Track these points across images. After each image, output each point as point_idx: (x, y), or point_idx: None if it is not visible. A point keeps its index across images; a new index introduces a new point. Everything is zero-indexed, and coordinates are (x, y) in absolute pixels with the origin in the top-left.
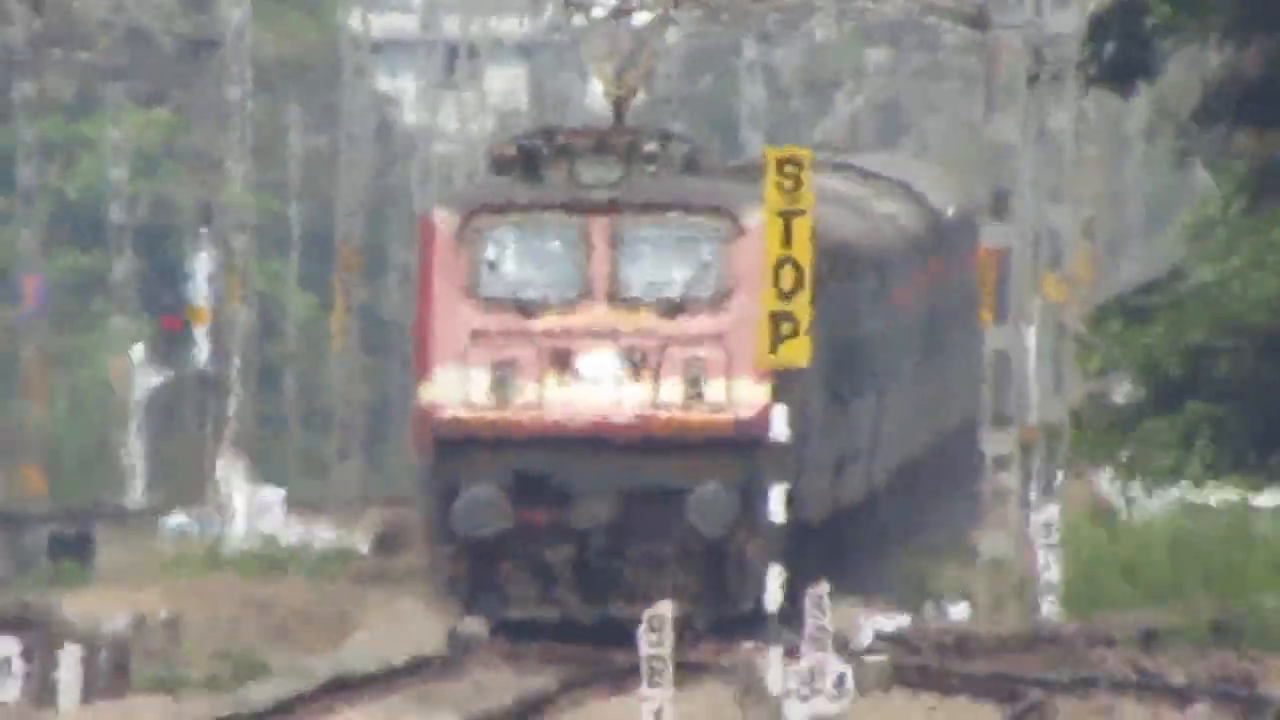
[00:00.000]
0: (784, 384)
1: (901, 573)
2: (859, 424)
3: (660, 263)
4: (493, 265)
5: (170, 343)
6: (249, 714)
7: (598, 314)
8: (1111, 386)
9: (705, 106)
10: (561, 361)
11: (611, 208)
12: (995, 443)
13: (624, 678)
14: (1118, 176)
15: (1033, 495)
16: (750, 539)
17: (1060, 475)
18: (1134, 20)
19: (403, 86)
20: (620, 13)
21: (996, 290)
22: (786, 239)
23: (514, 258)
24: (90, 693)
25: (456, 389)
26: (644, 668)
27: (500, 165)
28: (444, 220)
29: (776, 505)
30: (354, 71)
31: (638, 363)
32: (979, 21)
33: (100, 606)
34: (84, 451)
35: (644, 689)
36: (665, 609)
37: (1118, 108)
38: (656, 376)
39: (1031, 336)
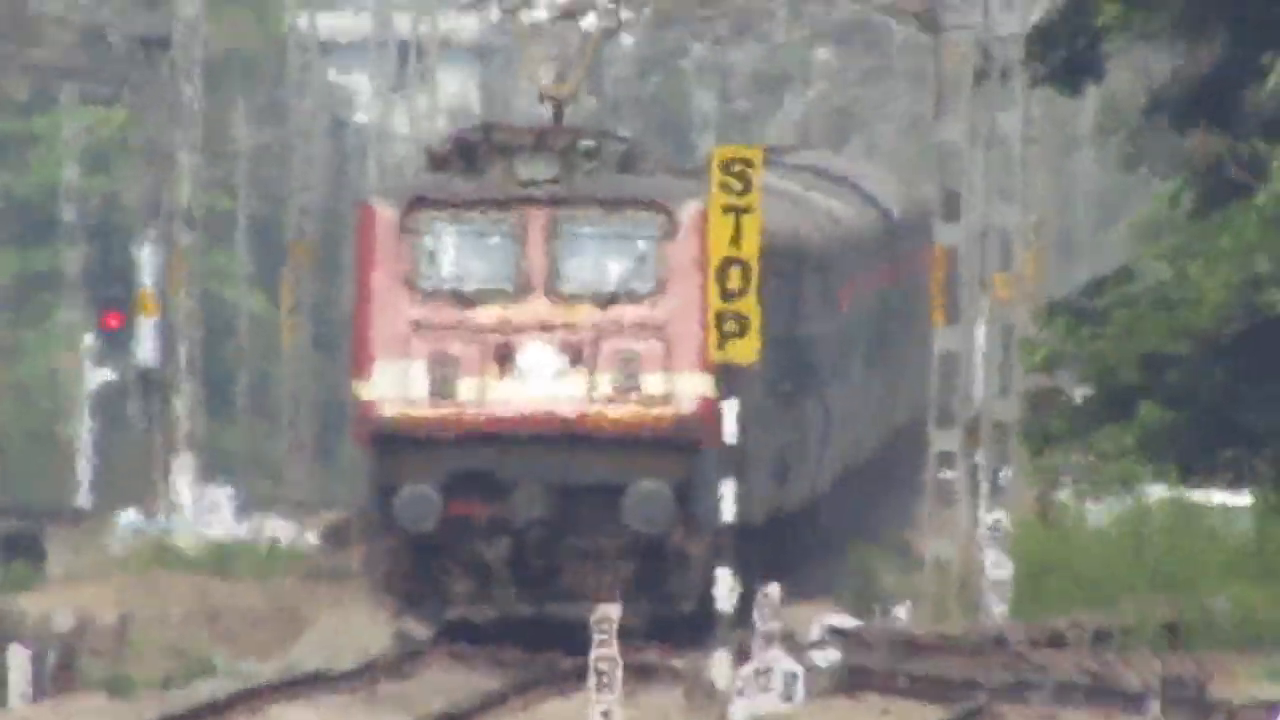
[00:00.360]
0: (726, 379)
1: (849, 574)
2: (806, 422)
3: (597, 257)
4: (432, 258)
5: (116, 340)
6: (193, 713)
7: (536, 307)
8: (1059, 384)
9: (656, 108)
10: (500, 355)
11: (549, 203)
12: (940, 440)
13: (573, 678)
14: (1066, 177)
15: (981, 494)
16: (690, 536)
17: (1008, 473)
18: (1082, 20)
19: (356, 85)
20: (565, 14)
21: (946, 290)
22: (735, 238)
23: (453, 251)
24: (38, 692)
25: (396, 384)
26: (591, 670)
27: (438, 160)
28: (384, 211)
29: (727, 504)
30: (302, 69)
31: (575, 357)
32: (928, 22)
33: (50, 606)
34: (30, 446)
35: (592, 692)
36: (612, 611)
37: (1066, 109)
38: (594, 370)
39: (981, 336)
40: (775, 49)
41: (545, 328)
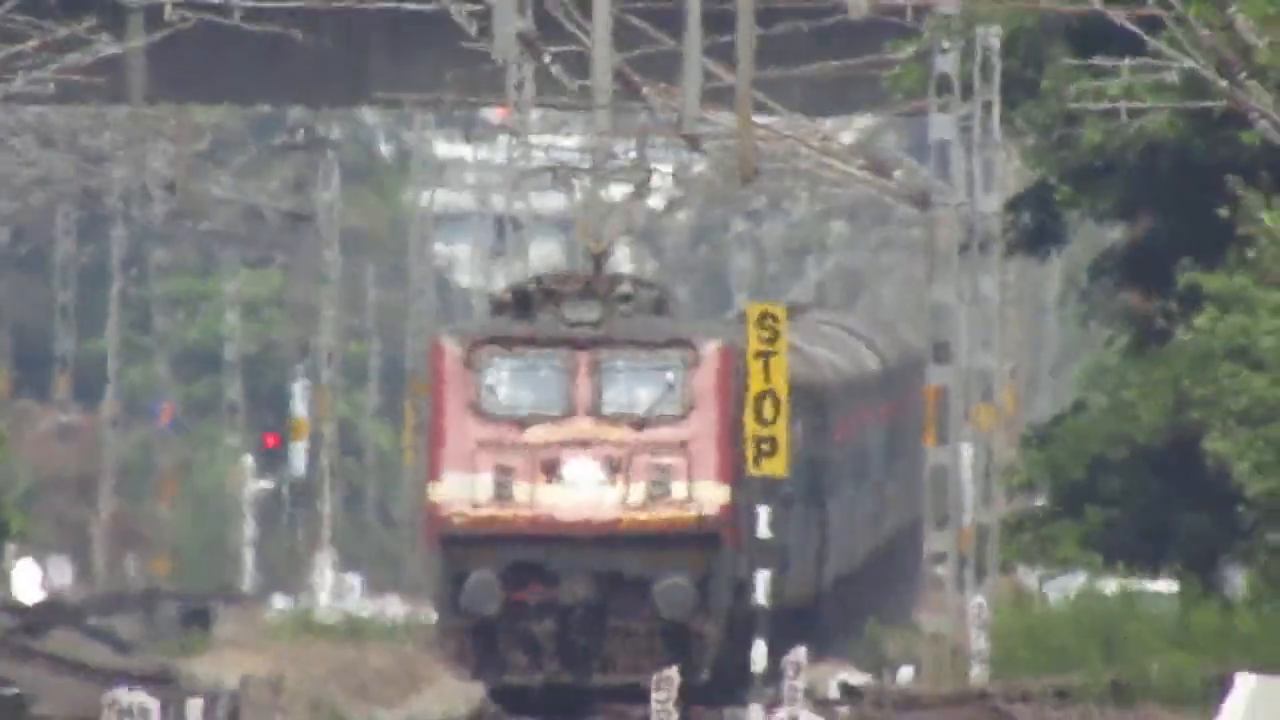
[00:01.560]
0: (758, 490)
1: (863, 643)
2: (824, 524)
3: (633, 385)
4: (492, 388)
5: (270, 457)
6: None
7: (581, 427)
8: (1034, 500)
9: (704, 270)
10: (550, 467)
11: (593, 341)
12: (935, 541)
13: None
14: (1035, 329)
15: (966, 582)
16: (707, 620)
17: (989, 570)
18: (1044, 198)
19: (460, 253)
20: (637, 195)
21: (937, 419)
22: (766, 376)
23: (510, 381)
24: None
25: (462, 490)
26: (654, 717)
27: (498, 306)
28: (452, 349)
29: (761, 589)
30: (418, 239)
31: (614, 468)
32: (922, 202)
33: (218, 668)
34: (203, 543)
35: None
36: (672, 673)
37: (1035, 275)
38: (629, 480)
39: (965, 455)
40: (798, 223)
41: (588, 444)
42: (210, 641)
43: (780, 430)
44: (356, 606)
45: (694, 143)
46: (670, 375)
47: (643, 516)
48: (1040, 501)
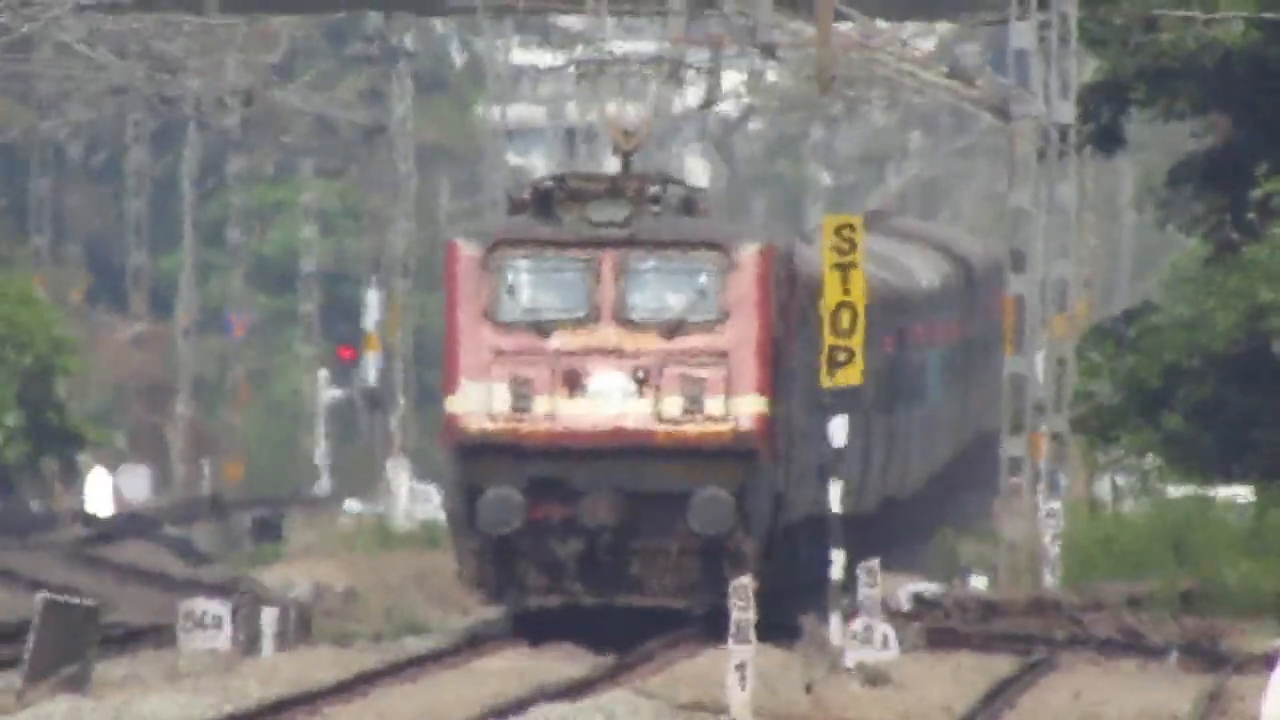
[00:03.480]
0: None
1: (937, 551)
2: (900, 432)
3: (662, 290)
4: (511, 292)
5: (343, 366)
6: (408, 663)
7: (606, 334)
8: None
9: (779, 183)
10: (573, 378)
11: (619, 242)
12: (1011, 447)
13: (710, 636)
14: (1111, 236)
15: (1040, 489)
16: (746, 538)
17: (1064, 480)
18: (1117, 96)
19: (533, 165)
20: (707, 105)
21: (1015, 327)
22: (843, 288)
23: (530, 285)
24: (283, 644)
25: (480, 401)
26: (732, 628)
27: (517, 206)
28: (468, 251)
29: (834, 497)
30: (491, 151)
31: (642, 379)
32: (1001, 111)
33: (291, 576)
34: (276, 451)
35: (731, 645)
36: (747, 580)
37: (1112, 182)
38: (659, 391)
39: (1040, 363)
40: (876, 133)
41: (614, 352)
42: (284, 550)
43: (857, 341)
44: (432, 515)
45: (769, 50)
46: (703, 279)
47: (674, 430)
48: (1110, 396)
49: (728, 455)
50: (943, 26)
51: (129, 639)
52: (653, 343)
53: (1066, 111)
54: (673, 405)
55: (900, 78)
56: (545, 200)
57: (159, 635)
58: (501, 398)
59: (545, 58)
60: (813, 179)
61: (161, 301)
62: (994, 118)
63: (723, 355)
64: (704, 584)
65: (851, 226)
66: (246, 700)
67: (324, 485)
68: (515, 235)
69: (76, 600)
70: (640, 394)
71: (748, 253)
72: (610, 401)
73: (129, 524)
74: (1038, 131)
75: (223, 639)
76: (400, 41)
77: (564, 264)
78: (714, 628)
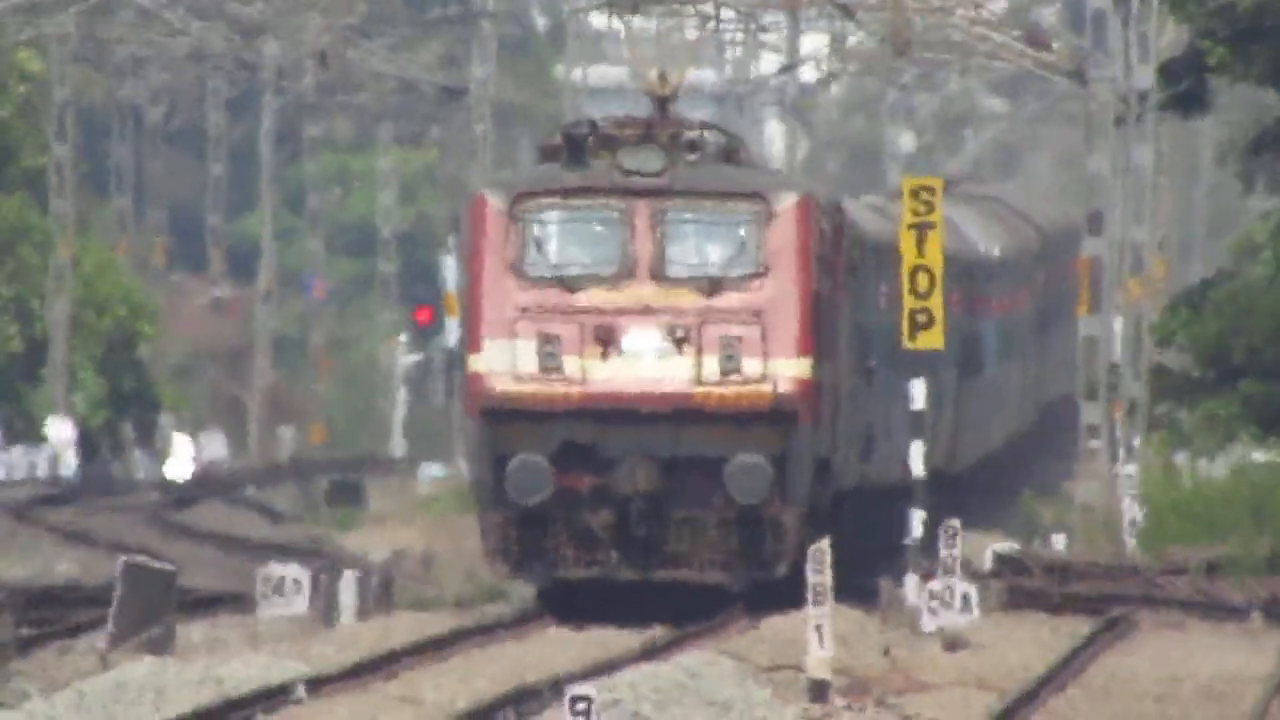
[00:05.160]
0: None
1: (1018, 514)
2: (980, 395)
3: (700, 244)
4: (539, 245)
5: (421, 329)
6: (485, 628)
7: (641, 292)
8: (1174, 363)
9: (857, 145)
10: (605, 336)
11: (654, 193)
12: (1087, 412)
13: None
14: (1187, 200)
15: (1119, 453)
16: (785, 507)
17: (1137, 440)
18: (1197, 62)
19: None
20: (786, 69)
21: (1090, 289)
22: (920, 250)
23: (559, 238)
24: (363, 610)
25: (504, 361)
26: (809, 591)
27: (547, 153)
28: (493, 201)
29: (916, 459)
30: (571, 111)
31: (680, 338)
32: (1078, 76)
33: (371, 542)
34: (355, 415)
35: (809, 609)
36: (825, 544)
37: (1188, 145)
38: (699, 351)
39: (1117, 326)
40: (953, 96)
41: (649, 310)
42: (363, 514)
43: (936, 303)
44: None
45: (848, 12)
46: (743, 231)
47: (712, 392)
48: (1190, 370)
49: (766, 420)
50: None
51: (209, 603)
52: (690, 300)
53: (1145, 76)
54: (711, 367)
55: (974, 42)
56: (577, 147)
57: (237, 600)
58: (528, 357)
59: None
60: (891, 143)
61: (241, 265)
62: (1071, 82)
63: (761, 314)
64: (742, 557)
65: (930, 189)
66: (327, 664)
67: (401, 449)
68: (543, 185)
69: (156, 564)
70: (679, 354)
71: (788, 203)
72: (645, 363)
73: (208, 487)
74: (1115, 96)
75: (302, 604)
76: (482, 3)
77: (595, 215)
78: (755, 605)
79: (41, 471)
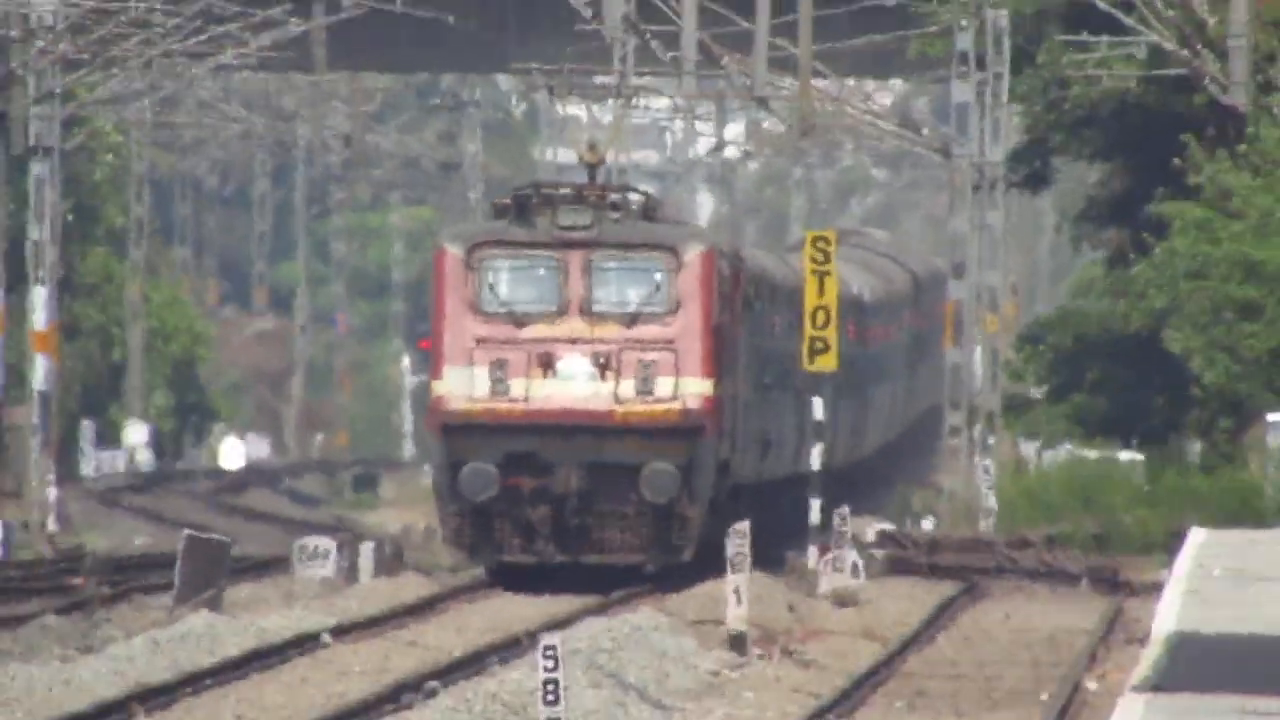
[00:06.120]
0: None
1: (893, 500)
2: (864, 407)
3: (621, 286)
4: (491, 287)
5: (424, 356)
6: (473, 588)
7: (574, 325)
8: (1024, 391)
9: (769, 208)
10: (545, 362)
11: (584, 244)
12: (952, 418)
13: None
14: (1032, 253)
15: (975, 452)
16: (691, 504)
17: (992, 440)
18: (1039, 149)
19: None
20: (716, 150)
21: (954, 325)
22: (820, 291)
23: (508, 281)
24: (379, 572)
25: (462, 384)
26: (729, 561)
27: (499, 211)
28: (453, 251)
29: (815, 457)
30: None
31: (604, 364)
32: (944, 151)
33: (384, 519)
34: (371, 425)
35: (729, 575)
36: (745, 524)
37: (1033, 209)
38: (619, 374)
39: (977, 354)
40: (845, 169)
41: (580, 340)
42: (378, 500)
43: (831, 334)
44: None
45: (763, 103)
46: (657, 276)
47: (632, 409)
48: (1032, 389)
49: (675, 432)
50: (897, 84)
51: (254, 568)
52: (613, 332)
53: (997, 153)
54: (629, 388)
55: (863, 126)
56: (522, 206)
57: (277, 565)
58: (482, 381)
59: (583, 111)
60: (794, 206)
61: (280, 303)
62: (939, 157)
63: (672, 343)
64: (656, 544)
65: (827, 239)
66: (349, 615)
67: (409, 451)
68: (494, 237)
69: (212, 537)
70: (602, 377)
71: (694, 253)
72: (576, 384)
73: (254, 477)
74: (973, 169)
75: (330, 568)
76: (471, 95)
77: (537, 262)
78: (667, 582)
79: (121, 466)
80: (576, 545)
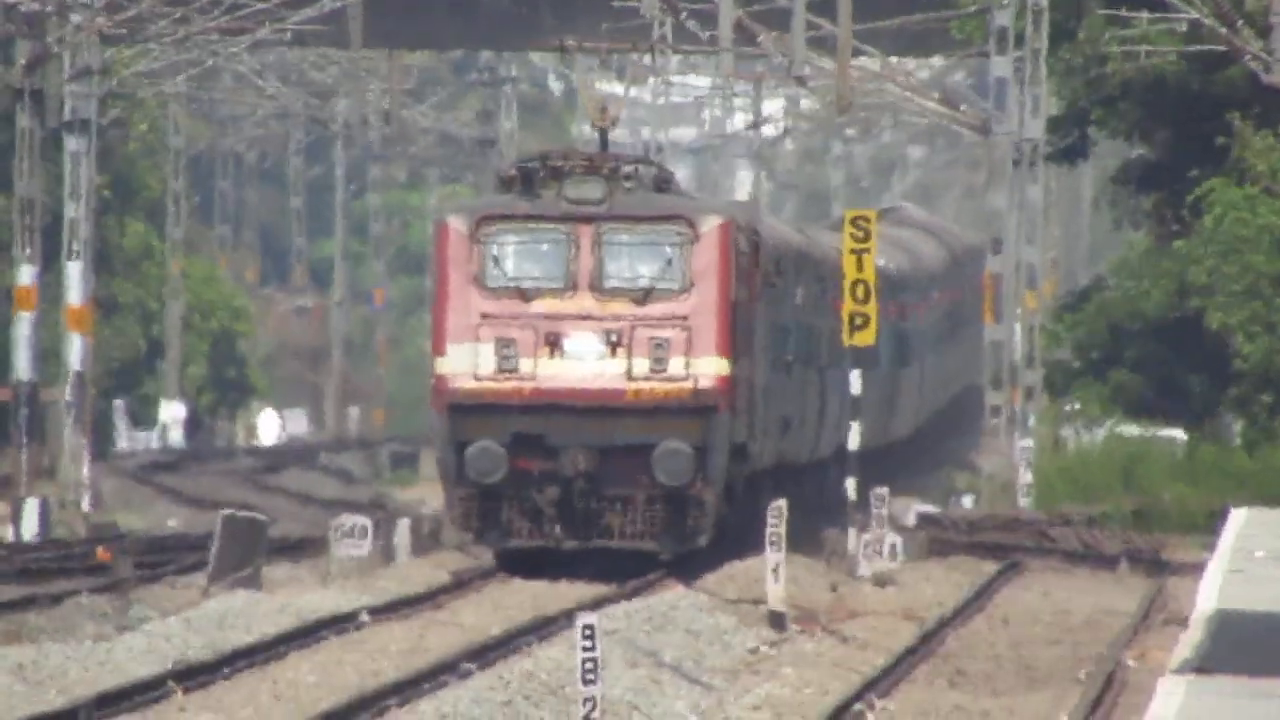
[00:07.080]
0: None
1: (935, 479)
2: (904, 384)
3: (633, 261)
4: (497, 262)
5: None
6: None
7: (583, 301)
8: (1062, 359)
9: (807, 185)
10: (553, 340)
11: (594, 217)
12: (992, 398)
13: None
14: (1071, 229)
15: (1015, 431)
16: (705, 487)
17: (1032, 420)
18: (1078, 120)
19: None
20: (753, 126)
21: (993, 301)
22: (859, 267)
23: (514, 255)
24: (415, 549)
25: (467, 362)
26: (767, 539)
27: (504, 183)
28: (457, 225)
29: (853, 435)
30: None
31: (615, 342)
32: (982, 128)
33: (422, 496)
34: (410, 401)
35: (768, 553)
36: (782, 502)
37: (1072, 184)
38: (630, 353)
39: (1016, 331)
40: (884, 146)
41: (589, 317)
42: (417, 477)
43: (871, 309)
44: None
45: (801, 81)
46: (670, 250)
47: (643, 389)
48: (1072, 362)
49: (688, 412)
50: (936, 60)
51: (290, 547)
52: (624, 309)
53: (1036, 129)
54: (640, 367)
55: (902, 103)
56: (529, 178)
57: (314, 544)
58: (487, 359)
59: (620, 89)
60: (834, 183)
61: (318, 279)
62: (978, 134)
63: (686, 320)
64: (670, 530)
65: (867, 219)
66: (386, 595)
67: None
68: (500, 210)
69: (250, 515)
70: (612, 355)
71: (710, 226)
72: (585, 363)
73: (292, 455)
74: (1012, 145)
75: (366, 547)
76: (508, 71)
77: (544, 236)
78: (681, 569)
79: (155, 444)
80: (586, 530)
